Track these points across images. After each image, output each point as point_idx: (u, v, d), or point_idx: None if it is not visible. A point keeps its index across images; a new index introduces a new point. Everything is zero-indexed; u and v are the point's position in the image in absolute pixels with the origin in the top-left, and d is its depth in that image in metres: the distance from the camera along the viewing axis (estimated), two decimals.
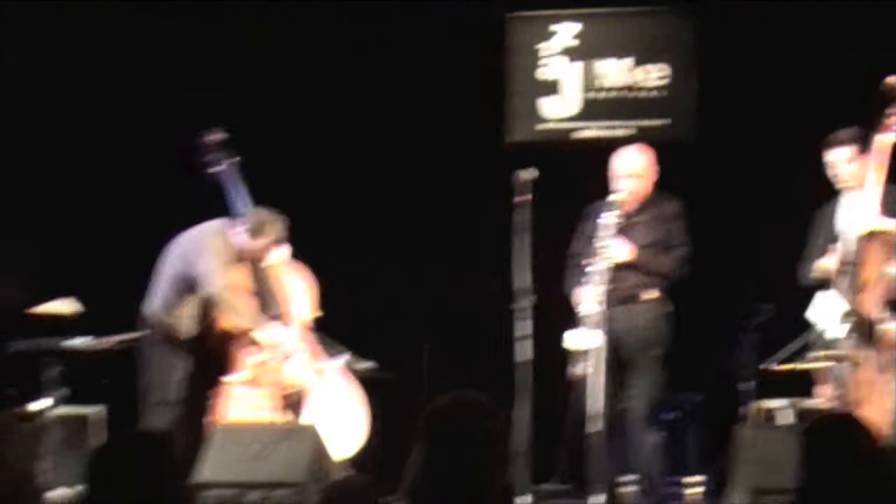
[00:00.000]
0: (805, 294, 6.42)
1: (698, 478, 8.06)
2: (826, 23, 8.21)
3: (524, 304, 6.46)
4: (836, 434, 3.34)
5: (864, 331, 5.95)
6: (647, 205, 6.61)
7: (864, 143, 6.23)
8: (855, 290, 5.99)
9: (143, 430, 5.05)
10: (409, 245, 8.55)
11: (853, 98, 7.20)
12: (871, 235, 6.04)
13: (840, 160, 6.24)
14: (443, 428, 3.18)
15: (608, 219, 6.45)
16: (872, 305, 5.99)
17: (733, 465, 6.14)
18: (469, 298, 8.21)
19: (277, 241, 6.88)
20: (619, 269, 6.47)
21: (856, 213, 6.10)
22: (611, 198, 6.52)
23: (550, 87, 8.90)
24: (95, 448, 3.28)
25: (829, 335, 6.02)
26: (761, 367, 6.18)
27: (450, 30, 8.70)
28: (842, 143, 6.24)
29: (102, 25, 8.50)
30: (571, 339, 6.43)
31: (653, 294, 6.52)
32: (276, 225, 6.86)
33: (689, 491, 8.04)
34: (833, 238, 6.26)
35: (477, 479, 3.12)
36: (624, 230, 6.51)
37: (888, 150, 6.16)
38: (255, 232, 6.83)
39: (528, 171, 6.65)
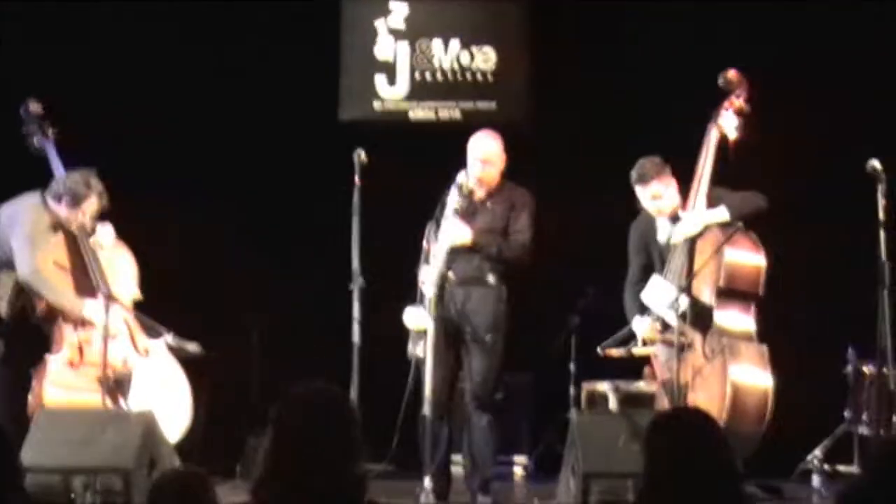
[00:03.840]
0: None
1: (525, 458, 8.17)
2: (664, 8, 8.33)
3: (356, 286, 6.39)
4: (680, 429, 3.37)
5: (696, 316, 6.07)
6: (495, 192, 6.61)
7: (666, 171, 6.27)
8: (689, 275, 6.10)
9: None
10: (244, 223, 8.39)
11: (687, 83, 7.38)
12: (705, 226, 6.17)
13: (654, 194, 6.27)
14: (292, 418, 3.12)
15: (452, 199, 6.43)
16: (705, 291, 6.11)
17: (566, 449, 6.20)
18: (305, 279, 8.12)
19: (95, 207, 6.72)
20: (462, 251, 6.47)
21: (684, 216, 6.18)
22: (458, 179, 6.49)
23: (388, 66, 8.85)
24: None
25: (662, 318, 6.12)
26: (598, 350, 6.24)
27: (286, 5, 8.56)
28: (650, 179, 6.26)
29: None
30: (410, 317, 6.41)
31: (493, 279, 6.53)
32: (93, 190, 6.68)
33: (515, 470, 8.14)
34: (661, 252, 6.30)
35: (326, 471, 3.07)
36: (470, 213, 6.51)
37: (720, 142, 6.29)
38: (73, 198, 6.66)
39: (360, 151, 6.57)
